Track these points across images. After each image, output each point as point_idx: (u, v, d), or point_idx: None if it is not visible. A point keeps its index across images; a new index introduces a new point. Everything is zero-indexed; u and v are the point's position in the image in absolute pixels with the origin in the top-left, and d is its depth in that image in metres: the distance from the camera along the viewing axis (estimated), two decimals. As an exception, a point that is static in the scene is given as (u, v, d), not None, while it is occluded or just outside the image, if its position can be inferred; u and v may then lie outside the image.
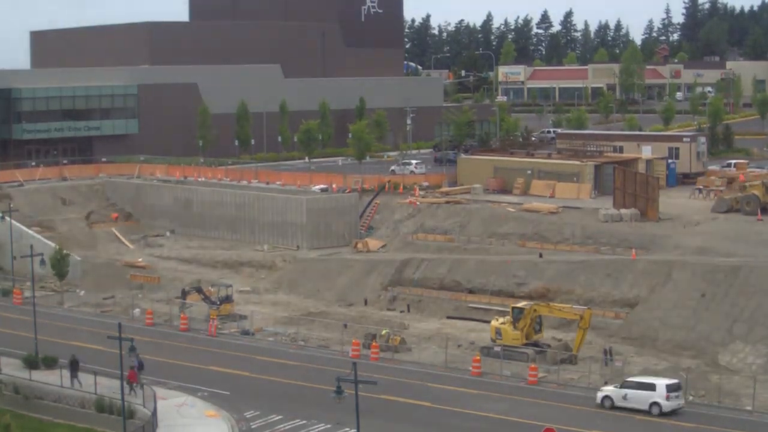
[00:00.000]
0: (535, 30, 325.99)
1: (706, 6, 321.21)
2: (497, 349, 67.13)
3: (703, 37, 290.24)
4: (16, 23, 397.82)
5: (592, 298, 75.38)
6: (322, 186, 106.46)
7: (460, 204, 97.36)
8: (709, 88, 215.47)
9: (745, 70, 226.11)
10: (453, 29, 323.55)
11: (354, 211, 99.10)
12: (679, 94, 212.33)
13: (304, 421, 56.87)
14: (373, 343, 70.08)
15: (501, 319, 69.07)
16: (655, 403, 57.42)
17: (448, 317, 78.70)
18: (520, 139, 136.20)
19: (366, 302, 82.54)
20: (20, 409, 59.65)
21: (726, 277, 71.48)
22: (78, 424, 57.92)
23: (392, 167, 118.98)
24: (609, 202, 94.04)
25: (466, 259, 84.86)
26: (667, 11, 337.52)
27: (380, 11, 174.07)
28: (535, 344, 67.77)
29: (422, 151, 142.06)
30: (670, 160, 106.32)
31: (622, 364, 64.19)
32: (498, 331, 67.90)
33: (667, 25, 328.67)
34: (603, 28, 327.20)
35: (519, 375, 64.64)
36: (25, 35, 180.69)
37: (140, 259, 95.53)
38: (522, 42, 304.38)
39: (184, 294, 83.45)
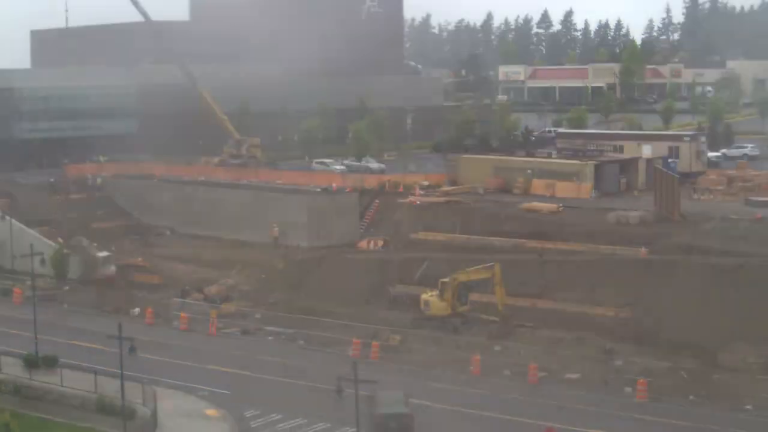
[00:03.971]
0: (535, 29, 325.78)
1: (707, 5, 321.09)
2: (428, 320, 70.59)
3: (703, 36, 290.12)
4: (16, 23, 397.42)
5: (593, 297, 75.34)
6: (323, 185, 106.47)
7: (461, 203, 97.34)
8: (709, 88, 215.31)
9: (745, 69, 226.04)
10: (453, 29, 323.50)
11: (354, 210, 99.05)
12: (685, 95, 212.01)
13: (304, 421, 56.86)
14: (374, 343, 70.09)
15: (430, 292, 73.85)
16: None
17: (449, 317, 78.56)
18: (521, 139, 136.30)
19: (367, 301, 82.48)
20: (20, 409, 59.61)
21: (726, 276, 71.45)
22: (78, 423, 57.91)
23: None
24: (609, 201, 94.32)
25: (466, 259, 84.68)
26: (668, 11, 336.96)
27: (380, 11, 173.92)
28: (461, 315, 72.79)
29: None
30: (670, 159, 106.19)
31: (623, 363, 64.14)
32: (426, 303, 72.82)
33: (667, 24, 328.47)
34: (603, 27, 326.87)
35: (519, 375, 64.65)
36: (25, 35, 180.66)
37: (140, 259, 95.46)
38: (522, 41, 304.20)
39: (185, 293, 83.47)
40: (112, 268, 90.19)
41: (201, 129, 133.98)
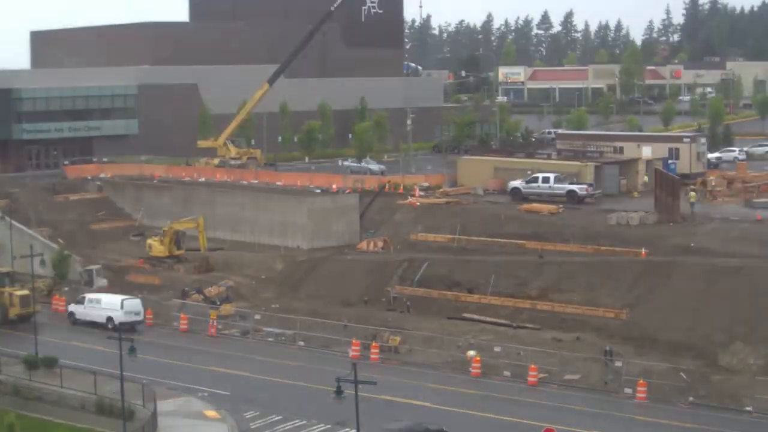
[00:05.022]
0: (535, 30, 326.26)
1: (707, 6, 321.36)
2: (150, 259, 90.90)
3: (703, 37, 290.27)
4: (16, 23, 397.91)
5: (592, 299, 75.35)
6: (322, 186, 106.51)
7: (460, 204, 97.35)
8: (709, 89, 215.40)
9: (745, 70, 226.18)
10: (453, 30, 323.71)
11: (354, 211, 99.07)
12: (685, 97, 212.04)
13: (304, 421, 56.86)
14: (373, 344, 70.09)
15: (155, 238, 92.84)
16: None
17: (449, 317, 78.61)
18: (520, 140, 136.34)
19: (366, 302, 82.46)
20: (20, 410, 59.52)
21: (726, 277, 71.47)
22: (78, 424, 57.88)
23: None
24: (609, 202, 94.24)
25: (466, 260, 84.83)
26: (668, 12, 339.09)
27: (380, 11, 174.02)
28: (176, 257, 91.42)
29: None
30: (670, 161, 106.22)
31: (623, 364, 64.13)
32: (150, 246, 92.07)
33: (667, 25, 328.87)
34: (603, 28, 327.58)
35: (519, 376, 64.69)
36: (25, 35, 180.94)
37: (140, 259, 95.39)
38: (522, 42, 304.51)
39: (185, 294, 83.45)
40: (104, 282, 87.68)
41: (201, 129, 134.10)
